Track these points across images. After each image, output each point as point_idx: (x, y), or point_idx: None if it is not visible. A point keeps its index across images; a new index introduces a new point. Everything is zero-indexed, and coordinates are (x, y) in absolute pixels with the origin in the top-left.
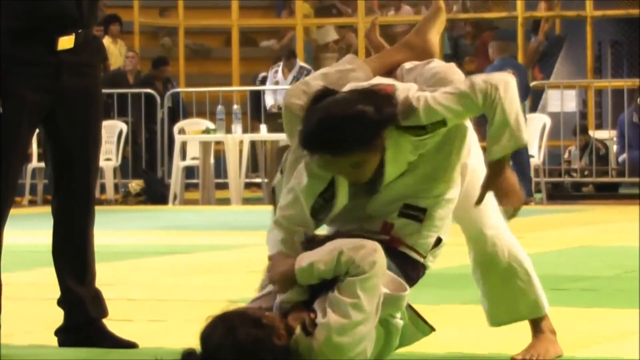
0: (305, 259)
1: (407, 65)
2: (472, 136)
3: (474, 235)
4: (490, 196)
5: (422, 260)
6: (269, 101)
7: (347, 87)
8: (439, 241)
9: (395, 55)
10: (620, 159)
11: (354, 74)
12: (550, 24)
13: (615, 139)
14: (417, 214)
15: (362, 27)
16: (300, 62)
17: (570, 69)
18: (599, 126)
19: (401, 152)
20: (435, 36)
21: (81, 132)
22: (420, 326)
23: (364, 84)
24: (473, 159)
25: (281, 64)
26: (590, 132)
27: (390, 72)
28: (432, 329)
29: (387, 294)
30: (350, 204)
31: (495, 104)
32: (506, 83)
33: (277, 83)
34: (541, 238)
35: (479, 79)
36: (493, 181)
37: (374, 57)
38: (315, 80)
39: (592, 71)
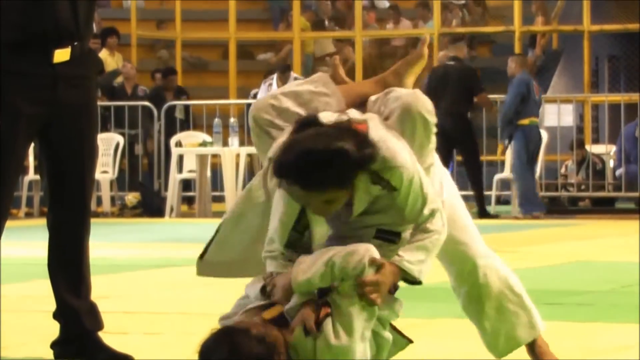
0: (300, 274)
1: (373, 97)
2: (442, 171)
3: (467, 269)
4: (472, 224)
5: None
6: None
7: (322, 115)
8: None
9: (369, 88)
10: (617, 173)
11: (326, 98)
12: (547, 38)
13: (612, 153)
14: (392, 237)
15: (359, 40)
16: (294, 74)
17: (567, 83)
18: (595, 141)
19: (367, 191)
20: (411, 79)
21: (77, 144)
22: (398, 341)
23: (339, 115)
24: (447, 194)
25: (275, 76)
26: (587, 147)
27: (360, 104)
28: (410, 342)
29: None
30: (325, 228)
31: (435, 231)
32: (444, 234)
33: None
34: (537, 252)
35: (439, 209)
36: None
37: (348, 87)
38: (286, 97)
39: (589, 85)
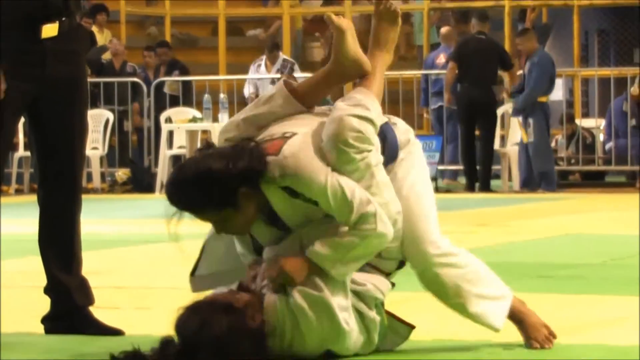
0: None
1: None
2: (409, 164)
3: (420, 270)
4: (430, 208)
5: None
6: (247, 90)
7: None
8: (401, 265)
9: (325, 83)
10: (607, 147)
11: (281, 111)
12: (537, 12)
13: (602, 127)
14: None
15: (348, 15)
16: (283, 55)
17: (557, 58)
18: (585, 115)
19: (291, 204)
20: (354, 50)
21: (67, 120)
22: (401, 329)
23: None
24: (408, 187)
25: (264, 57)
26: (577, 121)
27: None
28: (412, 328)
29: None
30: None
31: (362, 235)
32: (383, 235)
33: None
34: (528, 226)
35: (370, 201)
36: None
37: (308, 84)
38: (246, 124)
39: (579, 60)
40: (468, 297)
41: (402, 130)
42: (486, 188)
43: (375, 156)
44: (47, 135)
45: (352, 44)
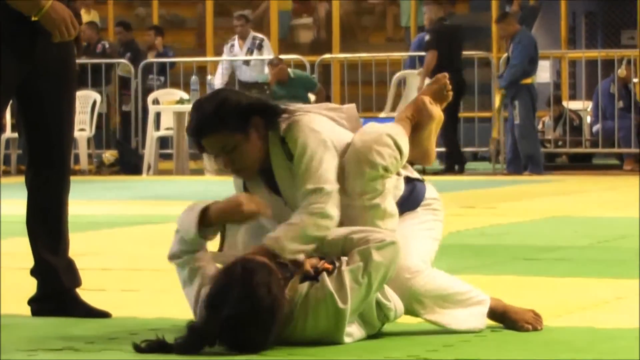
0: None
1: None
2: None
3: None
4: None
5: None
6: (218, 79)
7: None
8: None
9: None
10: (594, 129)
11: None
12: None
13: (589, 109)
14: None
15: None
16: (253, 33)
17: (544, 40)
18: (572, 97)
19: (286, 166)
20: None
21: (56, 101)
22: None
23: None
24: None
25: (236, 37)
26: (564, 103)
27: None
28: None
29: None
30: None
31: (309, 211)
32: (330, 217)
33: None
34: (514, 208)
35: (328, 192)
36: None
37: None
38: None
39: (566, 42)
40: (441, 309)
41: (432, 189)
42: (462, 170)
43: (390, 183)
44: (37, 116)
45: (433, 133)
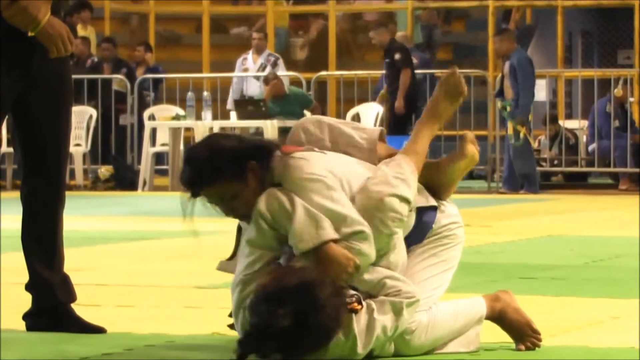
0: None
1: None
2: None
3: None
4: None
5: None
6: (230, 103)
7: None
8: None
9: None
10: (590, 148)
11: (358, 148)
12: (521, 13)
13: (585, 128)
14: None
15: (332, 14)
16: (268, 50)
17: (540, 59)
18: (568, 116)
19: None
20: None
21: (52, 116)
22: None
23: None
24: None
25: (250, 51)
26: (560, 122)
27: None
28: None
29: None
30: None
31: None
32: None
33: (246, 70)
34: (510, 227)
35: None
36: None
37: (386, 149)
38: (330, 123)
39: (563, 61)
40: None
41: (449, 213)
42: None
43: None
44: (33, 131)
45: (462, 171)
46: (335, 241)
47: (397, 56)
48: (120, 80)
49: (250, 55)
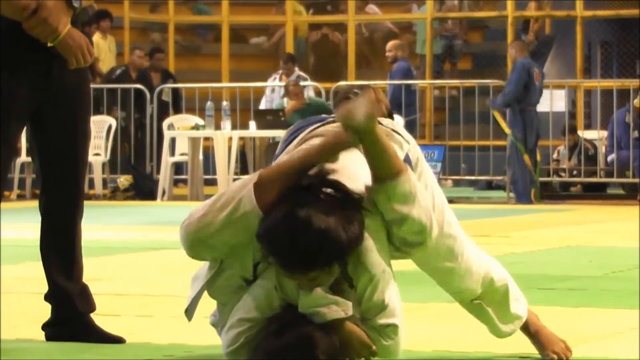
0: None
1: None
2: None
3: (455, 295)
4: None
5: None
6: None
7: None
8: None
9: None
10: (609, 159)
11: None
12: (540, 23)
13: (604, 139)
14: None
15: (352, 25)
16: (298, 71)
17: (559, 69)
18: (587, 126)
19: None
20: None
21: (70, 126)
22: None
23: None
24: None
25: (280, 70)
26: (579, 132)
27: None
28: None
29: None
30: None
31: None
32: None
33: (273, 88)
34: (529, 237)
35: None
36: None
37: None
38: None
39: (582, 71)
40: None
41: (412, 148)
42: None
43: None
44: (51, 141)
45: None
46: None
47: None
48: (167, 91)
49: (279, 75)
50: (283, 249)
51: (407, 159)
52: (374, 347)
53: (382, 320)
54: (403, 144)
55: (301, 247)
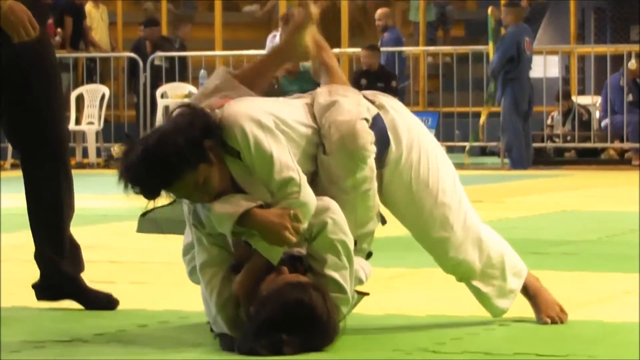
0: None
1: (319, 100)
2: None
3: (446, 266)
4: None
5: None
6: None
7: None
8: (369, 255)
9: (270, 64)
10: (603, 124)
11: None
12: None
13: (598, 104)
14: None
15: None
16: None
17: (553, 35)
18: (581, 92)
19: (246, 170)
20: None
21: (34, 96)
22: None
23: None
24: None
25: (280, 29)
26: (573, 98)
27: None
28: (365, 295)
29: None
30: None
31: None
32: (305, 205)
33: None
34: (523, 202)
35: (293, 168)
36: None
37: (248, 67)
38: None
39: (575, 37)
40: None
41: (398, 117)
42: None
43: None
44: (22, 115)
45: (313, 32)
46: (261, 207)
47: (393, 83)
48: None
49: (279, 33)
50: (140, 176)
51: (379, 123)
52: (292, 211)
53: (278, 177)
54: (370, 108)
55: (147, 170)
